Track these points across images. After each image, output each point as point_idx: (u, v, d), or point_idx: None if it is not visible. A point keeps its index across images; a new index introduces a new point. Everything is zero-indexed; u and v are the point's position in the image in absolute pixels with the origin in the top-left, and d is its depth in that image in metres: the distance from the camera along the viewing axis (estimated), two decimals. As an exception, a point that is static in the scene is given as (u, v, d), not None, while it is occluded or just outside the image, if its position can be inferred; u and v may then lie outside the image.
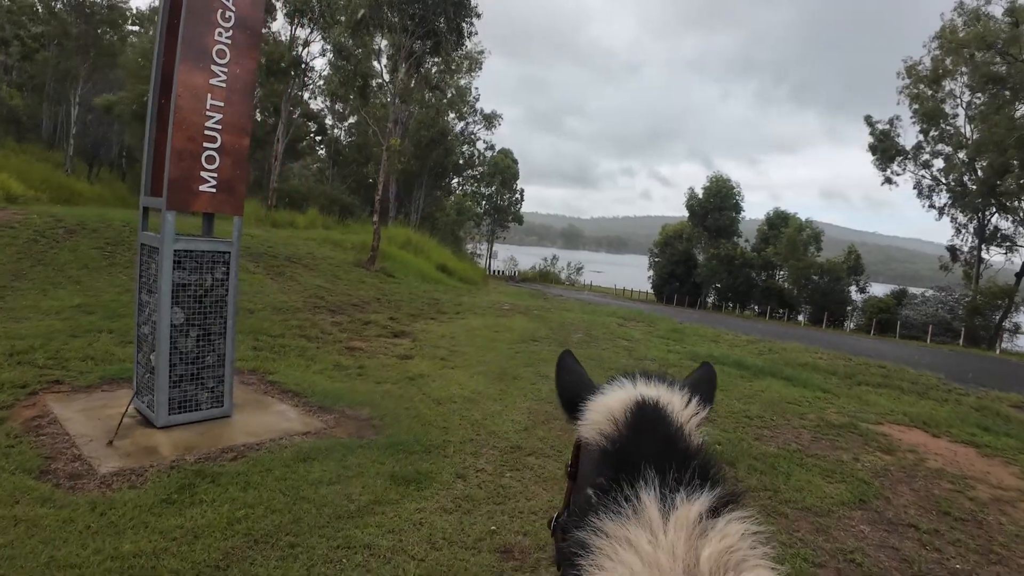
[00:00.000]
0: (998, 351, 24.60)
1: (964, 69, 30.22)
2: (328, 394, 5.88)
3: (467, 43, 19.25)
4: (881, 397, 8.30)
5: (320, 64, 28.97)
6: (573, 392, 0.97)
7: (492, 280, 45.97)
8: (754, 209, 51.12)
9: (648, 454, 0.69)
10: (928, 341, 26.39)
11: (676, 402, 0.82)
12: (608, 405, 0.83)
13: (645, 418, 0.77)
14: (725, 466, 1.09)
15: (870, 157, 35.60)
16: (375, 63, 22.60)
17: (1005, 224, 31.34)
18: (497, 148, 58.14)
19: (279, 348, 7.87)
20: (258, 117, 30.77)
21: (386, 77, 21.63)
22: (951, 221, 33.20)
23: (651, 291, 53.25)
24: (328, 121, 54.74)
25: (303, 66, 26.02)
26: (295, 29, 28.56)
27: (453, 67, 23.73)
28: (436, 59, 20.05)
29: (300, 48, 27.77)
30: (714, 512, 0.61)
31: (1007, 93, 27.85)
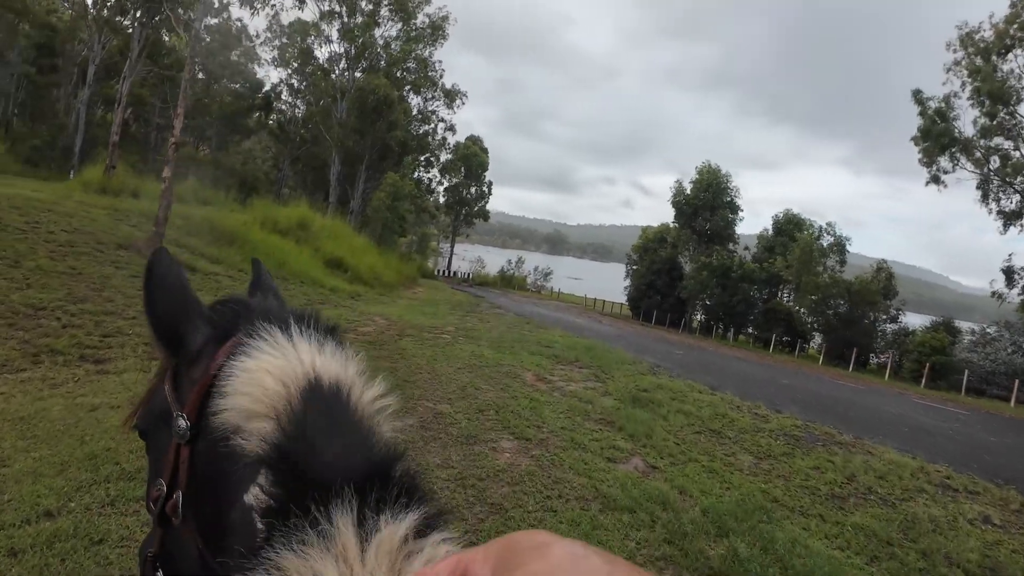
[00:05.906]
0: None
1: None
2: None
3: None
4: None
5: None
6: (174, 318, 0.68)
7: (435, 282, 38.48)
8: (739, 226, 42.31)
9: (338, 464, 0.53)
10: (1012, 403, 19.31)
11: (354, 380, 0.62)
12: (263, 383, 0.58)
13: (326, 411, 0.57)
14: (423, 476, 0.57)
15: (914, 148, 28.23)
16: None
17: None
18: (463, 136, 51.39)
19: None
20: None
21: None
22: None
23: (627, 304, 45.58)
24: (285, 97, 48.02)
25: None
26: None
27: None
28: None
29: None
30: (420, 533, 0.49)
31: None
